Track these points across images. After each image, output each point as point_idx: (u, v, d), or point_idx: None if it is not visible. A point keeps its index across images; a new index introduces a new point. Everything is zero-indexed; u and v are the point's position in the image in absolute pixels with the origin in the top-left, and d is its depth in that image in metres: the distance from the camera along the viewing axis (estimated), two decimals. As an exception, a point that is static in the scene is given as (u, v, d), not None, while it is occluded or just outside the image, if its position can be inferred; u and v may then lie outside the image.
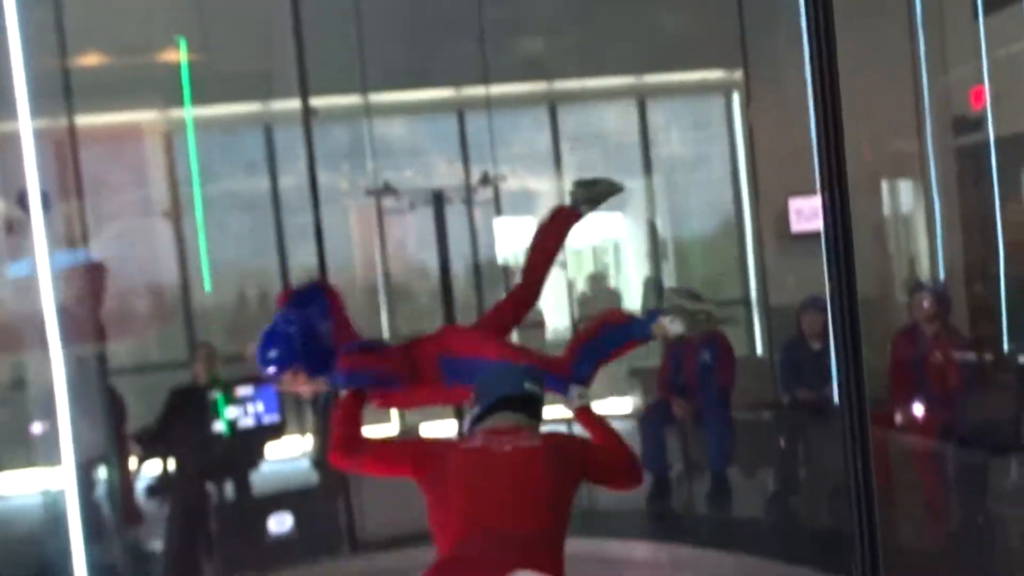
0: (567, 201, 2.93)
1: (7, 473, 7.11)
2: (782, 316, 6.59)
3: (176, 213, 6.99)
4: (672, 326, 2.55)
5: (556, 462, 2.23)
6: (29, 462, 6.79)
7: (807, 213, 7.06)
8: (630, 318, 2.70)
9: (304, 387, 2.66)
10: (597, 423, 2.50)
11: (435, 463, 2.24)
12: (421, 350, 2.68)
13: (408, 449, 2.48)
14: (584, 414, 2.51)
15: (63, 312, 4.53)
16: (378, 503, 5.01)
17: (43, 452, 4.83)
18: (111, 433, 5.08)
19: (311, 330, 2.63)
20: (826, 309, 5.56)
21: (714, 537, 4.66)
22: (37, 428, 5.35)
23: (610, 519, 5.20)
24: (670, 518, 5.26)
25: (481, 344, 2.63)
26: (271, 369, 2.60)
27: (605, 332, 2.64)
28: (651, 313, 2.61)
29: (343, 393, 2.61)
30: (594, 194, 2.83)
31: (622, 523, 5.05)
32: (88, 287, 5.01)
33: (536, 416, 2.33)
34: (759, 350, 7.86)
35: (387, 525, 4.93)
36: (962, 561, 4.14)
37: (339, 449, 2.46)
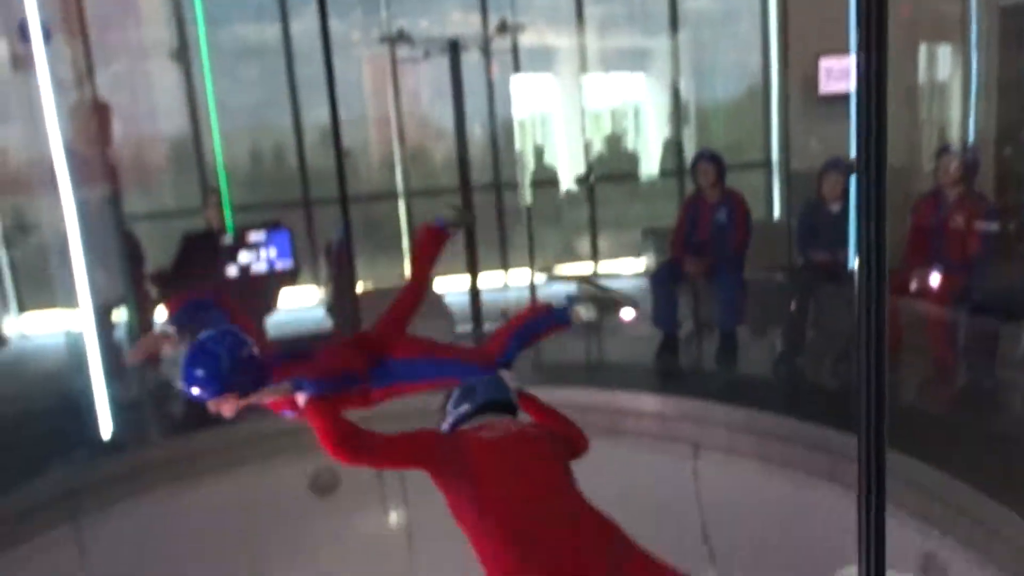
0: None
1: (30, 313, 7.30)
2: (801, 181, 6.47)
3: (183, 56, 6.80)
4: (586, 314, 2.90)
5: (552, 439, 2.48)
6: (51, 303, 6.95)
7: (837, 73, 6.82)
8: (549, 310, 2.97)
9: (230, 407, 2.43)
10: (538, 404, 2.68)
11: (452, 459, 2.30)
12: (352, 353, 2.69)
13: (418, 447, 2.36)
14: (524, 398, 2.67)
15: (72, 153, 4.50)
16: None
17: (63, 294, 4.89)
18: (128, 276, 5.12)
19: (240, 349, 2.42)
20: (847, 171, 5.45)
21: (720, 393, 4.72)
22: (55, 270, 5.43)
23: (618, 371, 5.30)
24: (677, 374, 5.34)
25: (411, 346, 2.82)
26: (195, 391, 2.39)
27: (529, 323, 2.90)
28: (567, 302, 2.94)
29: (300, 400, 2.40)
30: (460, 219, 3.21)
31: (629, 376, 5.13)
32: (94, 127, 4.95)
33: (513, 416, 2.58)
34: (776, 214, 7.77)
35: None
36: (967, 424, 4.19)
37: (341, 449, 2.30)
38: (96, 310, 4.89)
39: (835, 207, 5.25)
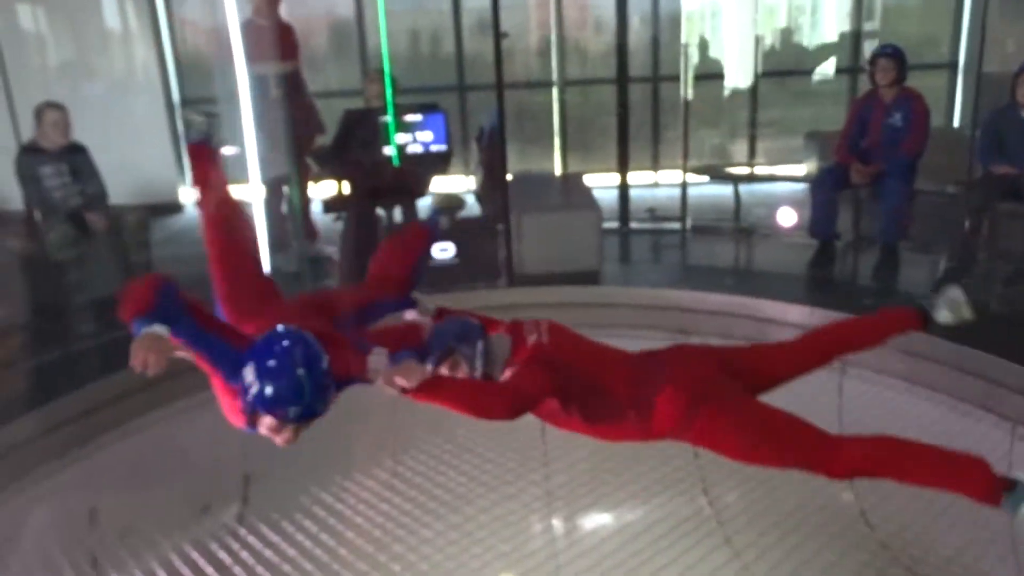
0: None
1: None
2: (990, 85, 5.91)
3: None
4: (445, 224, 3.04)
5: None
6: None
7: (1049, -36, 6.08)
8: (430, 229, 3.00)
9: (287, 436, 2.10)
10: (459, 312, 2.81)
11: (564, 371, 2.45)
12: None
13: (551, 377, 2.40)
14: (447, 312, 2.80)
15: (248, 25, 4.68)
16: (535, 243, 5.16)
17: (236, 167, 5.14)
18: (299, 152, 5.32)
19: (320, 365, 2.07)
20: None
21: (874, 309, 4.48)
22: (229, 150, 5.70)
23: (768, 279, 5.14)
24: (830, 286, 5.12)
25: (340, 300, 2.72)
26: (268, 413, 2.03)
27: (424, 252, 2.99)
28: (434, 217, 3.01)
29: (418, 378, 2.19)
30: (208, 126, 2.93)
31: (780, 284, 4.98)
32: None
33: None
34: (956, 121, 7.16)
35: (542, 263, 5.09)
36: None
37: (514, 415, 2.29)
38: (267, 184, 5.15)
39: (1029, 115, 4.78)
